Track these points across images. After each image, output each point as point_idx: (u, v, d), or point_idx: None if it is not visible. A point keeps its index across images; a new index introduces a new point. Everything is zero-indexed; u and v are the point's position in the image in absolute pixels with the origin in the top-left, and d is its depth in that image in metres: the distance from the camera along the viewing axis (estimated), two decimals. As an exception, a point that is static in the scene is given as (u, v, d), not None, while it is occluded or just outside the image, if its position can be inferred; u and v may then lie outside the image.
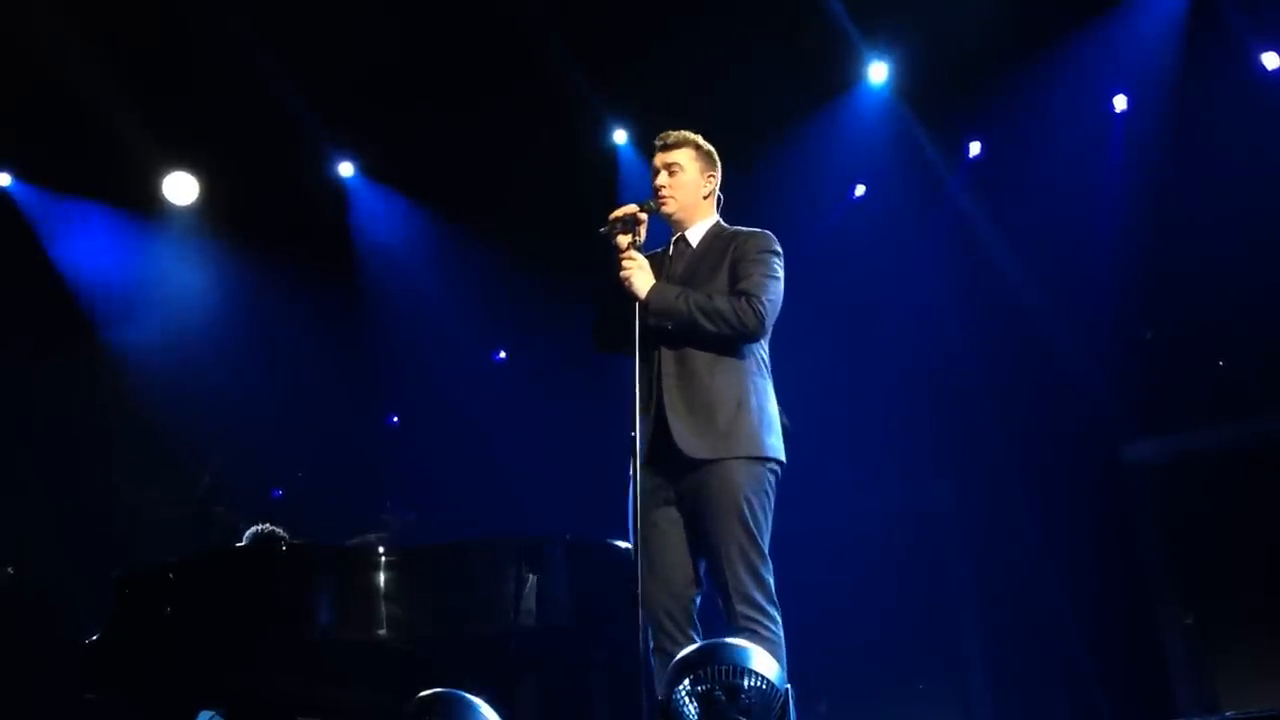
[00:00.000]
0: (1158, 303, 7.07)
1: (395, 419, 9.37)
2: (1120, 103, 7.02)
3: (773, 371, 3.77)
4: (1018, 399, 7.17)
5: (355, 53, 7.02)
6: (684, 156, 3.81)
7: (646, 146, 7.09)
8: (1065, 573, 6.85)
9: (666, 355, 3.61)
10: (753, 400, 3.60)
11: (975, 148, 7.49)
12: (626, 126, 7.78)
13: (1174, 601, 6.93)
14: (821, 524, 7.32)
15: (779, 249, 3.75)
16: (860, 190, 7.83)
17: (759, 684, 2.91)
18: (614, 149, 7.85)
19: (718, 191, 3.91)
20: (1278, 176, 6.39)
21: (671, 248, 3.86)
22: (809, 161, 7.42)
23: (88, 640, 4.81)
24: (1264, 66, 6.60)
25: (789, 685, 2.98)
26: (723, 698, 2.90)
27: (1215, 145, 6.61)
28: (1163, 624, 6.86)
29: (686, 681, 2.92)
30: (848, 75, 7.35)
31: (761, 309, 3.57)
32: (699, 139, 3.86)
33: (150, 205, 8.04)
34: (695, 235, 3.84)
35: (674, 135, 3.84)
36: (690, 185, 3.81)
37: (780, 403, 3.74)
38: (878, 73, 7.28)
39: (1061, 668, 6.84)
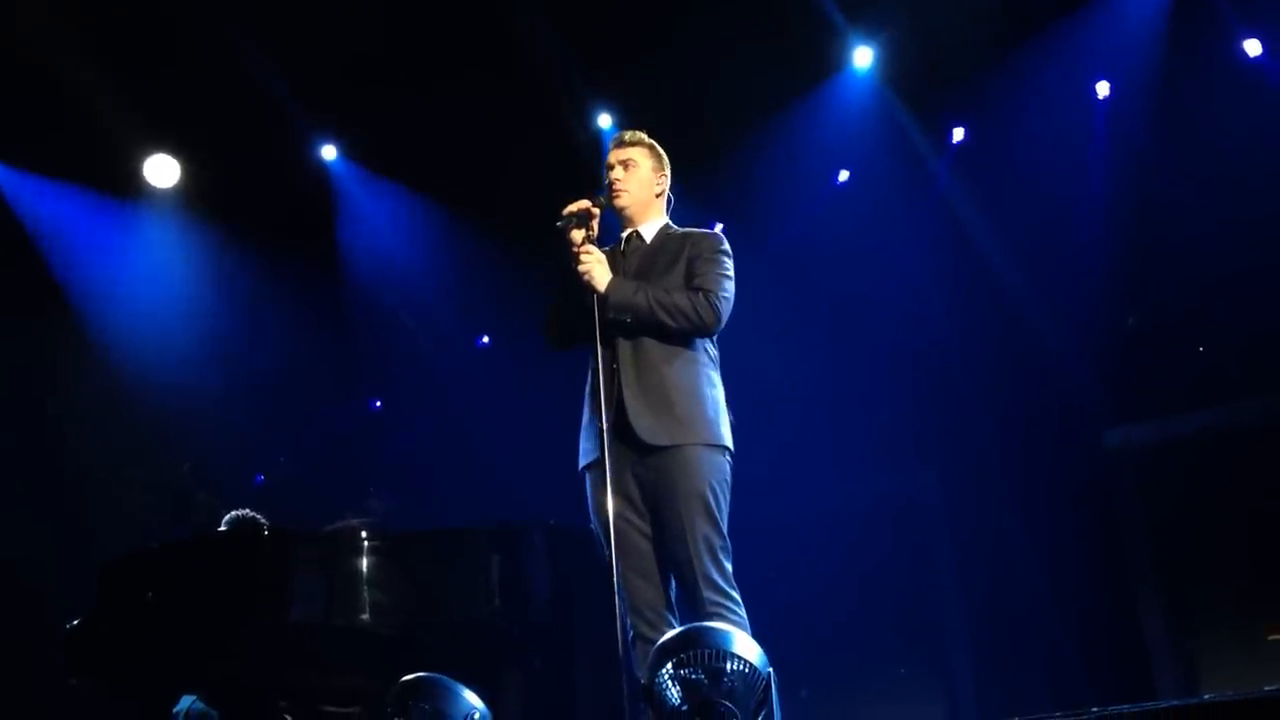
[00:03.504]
0: (1140, 289, 7.09)
1: (378, 404, 9.35)
2: (1103, 89, 7.03)
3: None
4: (1001, 385, 7.19)
5: (339, 35, 6.97)
6: (638, 154, 3.94)
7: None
8: (1047, 558, 6.88)
9: (623, 346, 3.70)
10: (708, 390, 3.71)
11: (959, 133, 7.49)
12: (611, 111, 7.75)
13: (1155, 585, 6.97)
14: (805, 511, 7.35)
15: (730, 250, 3.85)
16: (844, 176, 7.83)
17: (741, 668, 2.92)
18: (598, 133, 7.82)
19: (668, 193, 4.02)
20: (1259, 163, 6.41)
21: (624, 243, 3.96)
22: (793, 146, 7.40)
23: (70, 626, 4.80)
24: (1246, 53, 6.62)
25: (771, 669, 2.99)
26: (705, 681, 2.91)
27: (1198, 132, 6.63)
28: (1143, 608, 6.90)
29: (669, 666, 2.93)
30: (833, 60, 7.33)
31: (719, 305, 3.69)
32: (653, 142, 4.00)
33: (131, 188, 7.98)
34: (648, 232, 3.95)
35: (630, 135, 3.98)
36: (644, 181, 3.93)
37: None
38: (863, 58, 7.27)
39: (1043, 652, 6.87)
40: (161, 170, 7.94)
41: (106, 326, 8.05)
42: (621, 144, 3.94)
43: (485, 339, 9.15)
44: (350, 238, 8.49)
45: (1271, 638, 6.56)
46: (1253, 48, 6.59)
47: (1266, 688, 3.33)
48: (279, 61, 7.13)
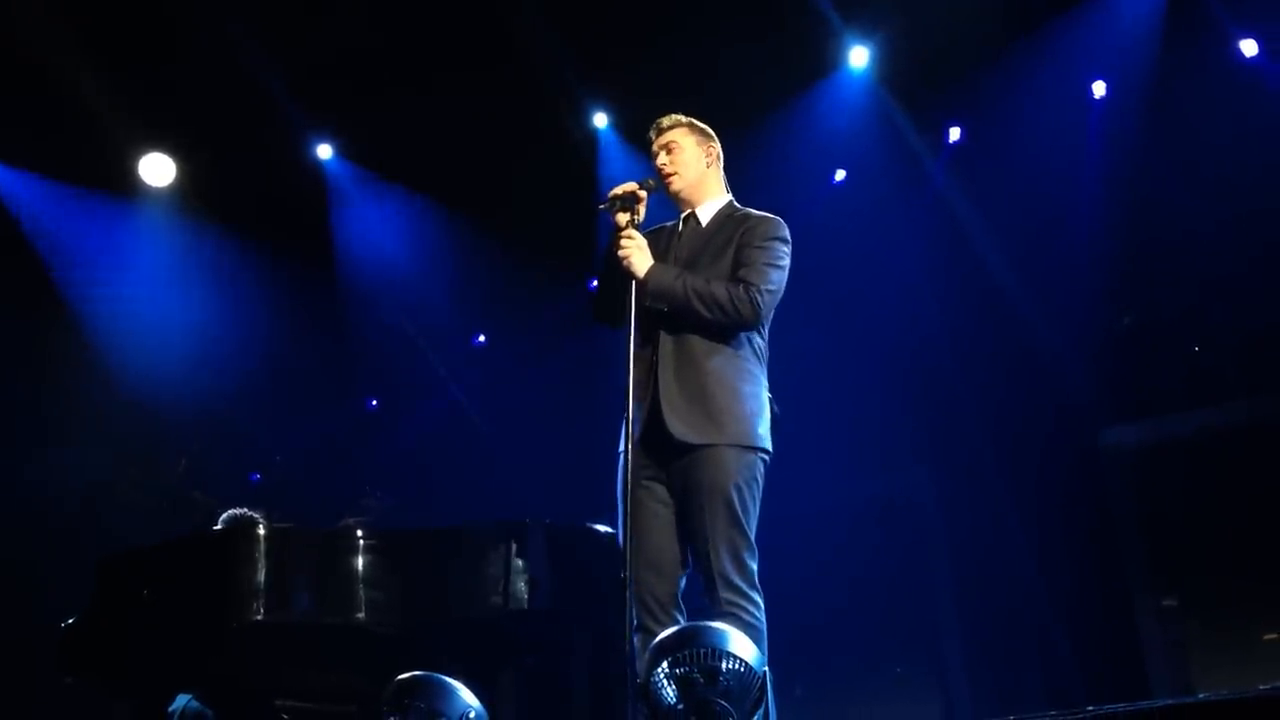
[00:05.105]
0: (1135, 288, 7.11)
1: (374, 403, 9.34)
2: (1099, 89, 7.05)
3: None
4: (996, 384, 7.20)
5: (335, 34, 6.97)
6: (679, 135, 3.85)
7: (627, 130, 7.09)
8: (1042, 557, 6.89)
9: (665, 338, 3.61)
10: (747, 388, 3.61)
11: (955, 133, 7.50)
12: (607, 110, 7.75)
13: (1149, 585, 6.99)
14: (801, 509, 7.33)
15: (787, 236, 3.76)
16: (840, 175, 7.83)
17: (737, 666, 2.92)
18: (594, 132, 7.82)
19: (721, 168, 3.92)
20: (1254, 163, 6.42)
21: (681, 224, 3.86)
22: (789, 146, 7.40)
23: (65, 624, 4.80)
24: (1242, 54, 6.63)
25: (767, 668, 2.99)
26: (701, 680, 2.91)
27: (1193, 132, 6.64)
28: (1138, 607, 6.92)
29: (665, 664, 2.93)
30: (829, 60, 7.33)
31: (759, 299, 3.57)
32: (692, 119, 3.90)
33: (127, 186, 7.97)
34: (706, 214, 3.85)
35: (666, 119, 3.88)
36: (690, 161, 3.83)
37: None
38: (859, 57, 7.27)
39: (1038, 652, 6.89)
40: (157, 169, 7.93)
41: (102, 325, 8.04)
42: (660, 130, 3.85)
43: (481, 338, 9.15)
44: (346, 236, 8.49)
45: (1267, 637, 6.58)
46: (1248, 48, 6.61)
47: (1261, 687, 3.34)
48: (275, 60, 7.13)
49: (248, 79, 7.11)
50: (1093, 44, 6.88)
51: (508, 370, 8.54)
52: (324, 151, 8.18)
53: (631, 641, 3.34)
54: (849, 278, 7.36)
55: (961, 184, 7.42)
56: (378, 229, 8.40)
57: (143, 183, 7.97)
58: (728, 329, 3.60)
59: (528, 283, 8.12)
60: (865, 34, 7.18)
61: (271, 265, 8.09)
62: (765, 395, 3.68)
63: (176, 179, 7.98)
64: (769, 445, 3.63)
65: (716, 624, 3.12)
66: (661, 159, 3.83)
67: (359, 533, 4.55)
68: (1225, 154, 6.52)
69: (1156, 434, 7.17)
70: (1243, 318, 6.84)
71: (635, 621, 3.47)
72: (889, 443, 7.62)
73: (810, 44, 7.18)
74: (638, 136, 4.24)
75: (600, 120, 7.79)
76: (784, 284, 3.70)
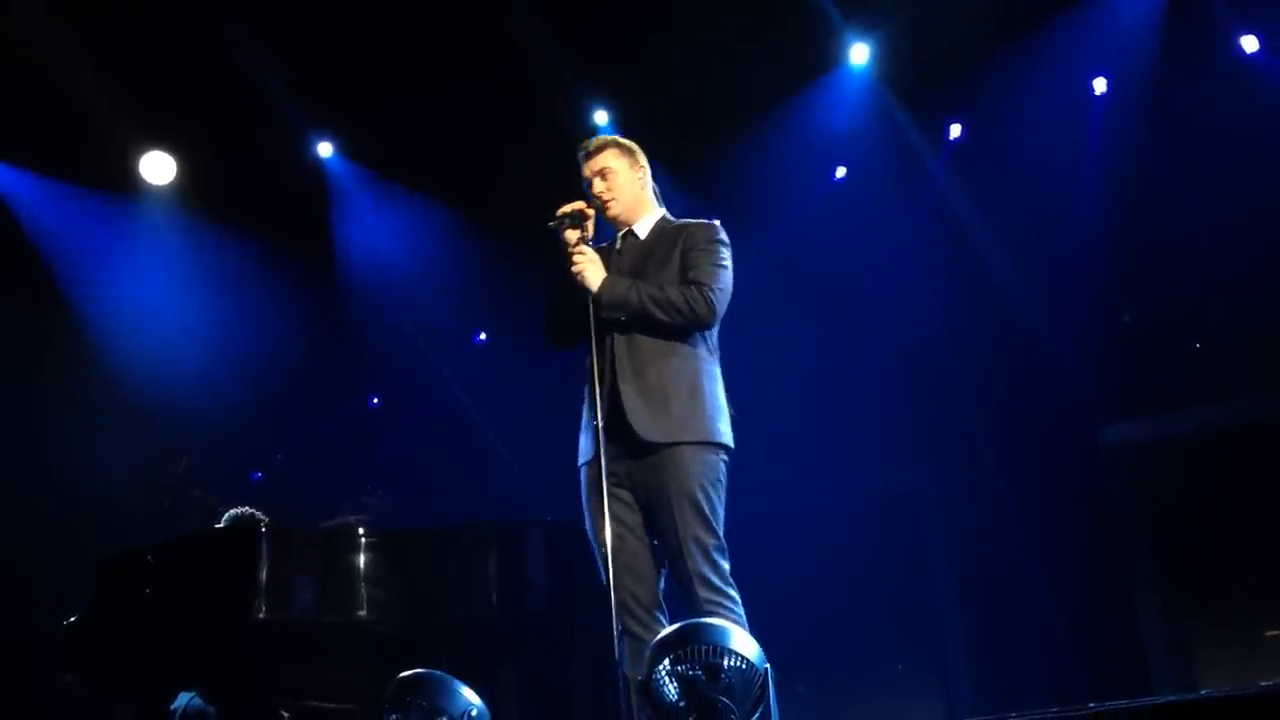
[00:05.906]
0: (1136, 285, 7.11)
1: (375, 401, 9.34)
2: (1100, 85, 7.04)
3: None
4: (996, 381, 7.20)
5: (335, 33, 6.97)
6: (609, 158, 3.90)
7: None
8: (1043, 555, 6.89)
9: (619, 342, 3.68)
10: (705, 386, 3.68)
11: (956, 130, 7.49)
12: (607, 108, 7.74)
13: (1150, 582, 6.99)
14: (801, 507, 7.36)
15: (726, 239, 3.82)
16: (841, 172, 7.84)
17: (739, 664, 2.93)
18: (594, 130, 7.81)
19: (652, 183, 3.97)
20: (1255, 160, 6.42)
21: (620, 241, 3.93)
22: (790, 143, 7.41)
23: (66, 622, 4.80)
24: (1243, 50, 6.63)
25: (768, 665, 3.00)
26: (703, 678, 2.91)
27: (1193, 129, 6.64)
28: (1139, 605, 6.92)
29: (666, 662, 2.94)
30: (829, 57, 7.33)
31: (712, 297, 3.65)
32: (617, 138, 3.96)
33: (127, 185, 7.97)
34: (643, 229, 3.92)
35: (594, 142, 3.94)
36: (625, 184, 3.89)
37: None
38: (859, 54, 7.27)
39: (1039, 649, 6.89)
40: (158, 167, 7.92)
41: (103, 323, 8.04)
42: (589, 154, 3.90)
43: (482, 336, 9.14)
44: (346, 235, 8.48)
45: (1269, 634, 6.58)
46: (1249, 44, 6.60)
47: (1263, 683, 3.34)
48: (275, 59, 7.12)
49: (248, 78, 7.10)
50: (1093, 41, 6.88)
51: (508, 370, 8.53)
52: (324, 150, 8.17)
53: (619, 647, 3.37)
54: (849, 275, 7.37)
55: (962, 181, 7.41)
56: (378, 227, 8.39)
57: (143, 181, 7.96)
58: (684, 330, 3.68)
59: (528, 282, 8.10)
60: (865, 31, 7.17)
61: (272, 264, 8.09)
62: (722, 393, 3.74)
63: (177, 178, 7.98)
64: (730, 442, 3.69)
65: (718, 621, 3.13)
66: (598, 186, 3.88)
67: (360, 531, 4.56)
68: (1225, 151, 6.52)
69: (1157, 432, 7.17)
70: (1243, 315, 6.84)
71: (619, 628, 3.51)
72: (890, 440, 7.62)
73: (810, 41, 7.18)
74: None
75: (601, 118, 7.78)
76: (731, 284, 3.75)
